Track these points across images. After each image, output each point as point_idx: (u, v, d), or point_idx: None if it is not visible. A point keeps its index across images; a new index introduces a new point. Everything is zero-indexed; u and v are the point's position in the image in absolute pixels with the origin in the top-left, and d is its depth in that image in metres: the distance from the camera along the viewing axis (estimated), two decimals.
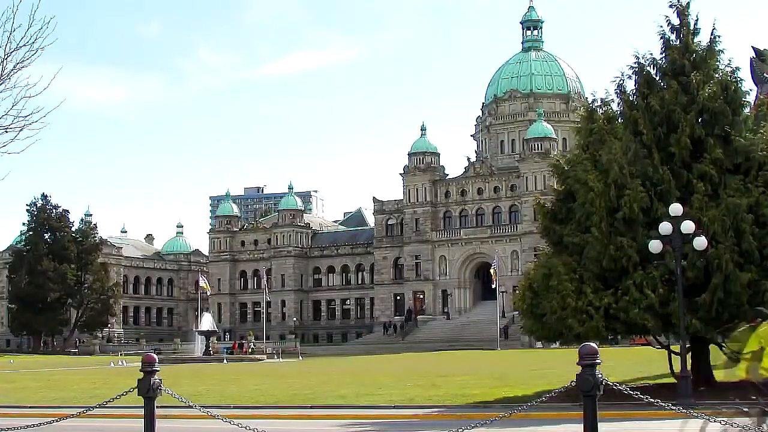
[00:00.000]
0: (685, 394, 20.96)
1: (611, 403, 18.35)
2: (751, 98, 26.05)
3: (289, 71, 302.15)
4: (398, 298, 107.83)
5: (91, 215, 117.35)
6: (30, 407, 25.22)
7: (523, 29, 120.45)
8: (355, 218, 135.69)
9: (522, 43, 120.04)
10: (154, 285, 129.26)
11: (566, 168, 26.70)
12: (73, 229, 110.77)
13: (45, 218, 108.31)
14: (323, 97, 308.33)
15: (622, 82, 25.80)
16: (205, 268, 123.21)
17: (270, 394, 29.21)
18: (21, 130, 13.90)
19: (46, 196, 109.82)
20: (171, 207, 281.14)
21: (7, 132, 13.88)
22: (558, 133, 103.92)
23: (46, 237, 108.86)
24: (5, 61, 13.77)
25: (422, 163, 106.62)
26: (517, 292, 28.27)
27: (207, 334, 77.25)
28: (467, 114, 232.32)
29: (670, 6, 25.45)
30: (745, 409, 13.68)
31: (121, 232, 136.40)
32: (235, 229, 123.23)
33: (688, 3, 25.39)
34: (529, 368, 39.02)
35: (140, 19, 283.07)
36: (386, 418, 22.20)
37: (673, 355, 23.94)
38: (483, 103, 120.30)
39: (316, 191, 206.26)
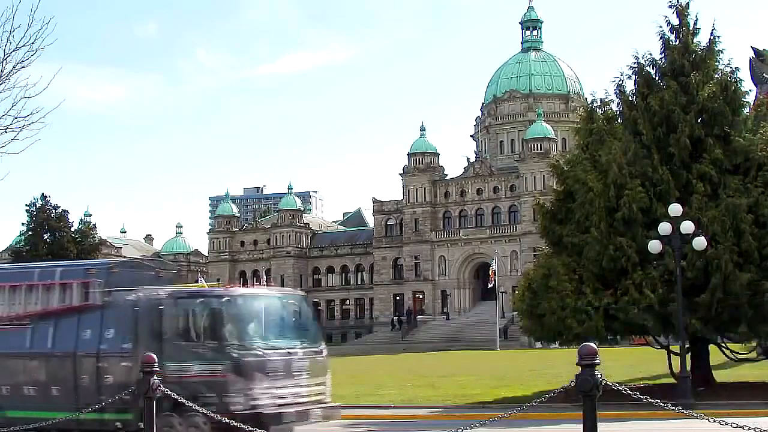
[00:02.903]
0: (685, 394, 20.97)
1: (611, 404, 18.37)
2: (750, 98, 26.07)
3: (288, 71, 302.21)
4: (398, 298, 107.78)
5: (90, 215, 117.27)
6: None
7: (522, 29, 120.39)
8: (354, 218, 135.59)
9: (521, 43, 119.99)
10: None
11: (566, 168, 26.72)
12: (72, 229, 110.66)
13: (44, 218, 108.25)
14: (322, 97, 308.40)
15: (621, 82, 25.85)
16: (204, 269, 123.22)
17: None
18: (21, 130, 13.93)
19: (46, 196, 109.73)
20: (170, 207, 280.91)
21: (6, 132, 13.90)
22: (557, 133, 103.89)
23: (46, 237, 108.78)
24: (5, 61, 13.80)
25: (422, 164, 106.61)
26: (517, 292, 28.28)
27: None
28: (467, 114, 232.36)
29: (670, 6, 25.49)
30: None
31: (121, 232, 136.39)
32: (234, 230, 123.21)
33: (688, 3, 25.43)
34: (529, 368, 38.98)
35: (138, 20, 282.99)
36: (386, 418, 22.22)
37: (672, 355, 23.95)
38: (482, 104, 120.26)
39: (315, 191, 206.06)
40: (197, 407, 12.43)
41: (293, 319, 17.09)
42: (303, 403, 15.52)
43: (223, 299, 15.54)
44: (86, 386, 15.81)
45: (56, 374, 16.20)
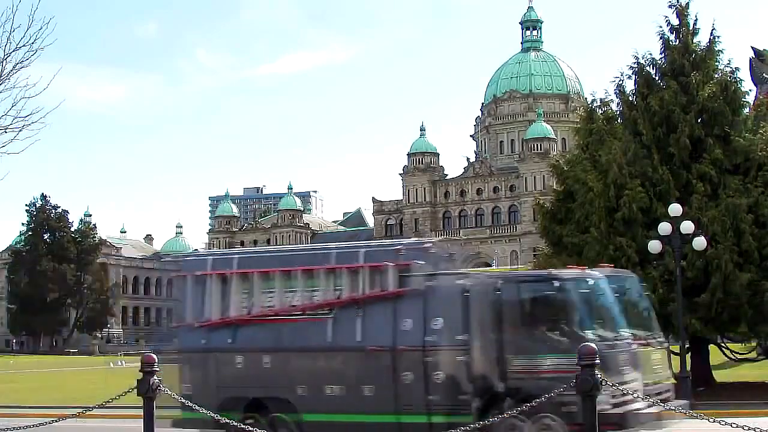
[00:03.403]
0: (685, 394, 20.95)
1: None
2: (750, 98, 26.07)
3: (288, 71, 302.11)
4: None
5: (90, 215, 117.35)
6: (30, 407, 25.21)
7: (522, 29, 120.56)
8: (354, 218, 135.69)
9: (521, 43, 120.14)
10: (154, 285, 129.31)
11: (566, 168, 26.73)
12: (72, 229, 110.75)
13: (44, 218, 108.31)
14: (322, 97, 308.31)
15: (621, 82, 25.85)
16: None
17: None
18: (21, 130, 13.90)
19: (46, 196, 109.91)
20: (170, 207, 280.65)
21: (6, 132, 13.88)
22: (557, 133, 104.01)
23: (46, 237, 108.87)
24: (5, 61, 13.77)
25: (422, 164, 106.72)
26: None
27: None
28: (467, 114, 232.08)
29: (670, 6, 25.50)
30: None
31: (121, 232, 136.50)
32: (234, 230, 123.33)
33: (688, 3, 25.44)
34: None
35: (138, 20, 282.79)
36: None
37: (672, 355, 23.92)
38: (482, 104, 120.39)
39: (315, 191, 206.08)
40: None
41: (640, 303, 14.83)
42: (661, 401, 13.33)
43: (582, 282, 13.40)
44: (409, 385, 13.44)
45: (368, 372, 13.76)
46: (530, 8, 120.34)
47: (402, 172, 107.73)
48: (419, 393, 13.31)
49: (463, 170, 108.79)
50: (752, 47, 33.96)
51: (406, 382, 13.46)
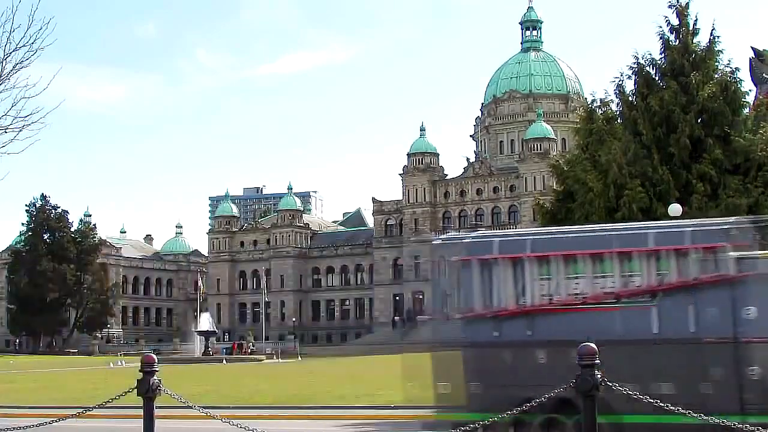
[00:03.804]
0: None
1: None
2: (750, 98, 26.07)
3: (288, 71, 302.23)
4: (397, 298, 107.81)
5: (90, 215, 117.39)
6: (29, 407, 25.21)
7: (522, 29, 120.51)
8: (354, 218, 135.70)
9: (521, 43, 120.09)
10: (154, 285, 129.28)
11: (565, 168, 26.75)
12: (72, 229, 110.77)
13: (44, 218, 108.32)
14: (322, 97, 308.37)
15: (621, 82, 25.88)
16: (204, 269, 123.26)
17: (269, 394, 29.21)
18: (20, 130, 13.89)
19: (46, 196, 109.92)
20: (170, 207, 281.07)
21: (6, 132, 13.87)
22: (557, 133, 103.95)
23: (46, 237, 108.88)
24: (5, 61, 13.76)
25: (421, 164, 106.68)
26: None
27: (206, 335, 77.28)
28: (466, 114, 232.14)
29: (670, 6, 25.52)
30: None
31: (121, 232, 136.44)
32: (234, 230, 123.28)
33: (688, 3, 25.45)
34: None
35: (138, 20, 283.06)
36: (386, 418, 22.20)
37: None
38: (482, 104, 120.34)
39: (315, 191, 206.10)
40: None
41: None
42: None
43: None
44: (721, 383, 11.79)
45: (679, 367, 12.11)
46: (530, 8, 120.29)
47: (402, 172, 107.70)
48: (730, 390, 11.75)
49: (463, 170, 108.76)
50: (752, 47, 33.82)
51: (715, 379, 11.86)
